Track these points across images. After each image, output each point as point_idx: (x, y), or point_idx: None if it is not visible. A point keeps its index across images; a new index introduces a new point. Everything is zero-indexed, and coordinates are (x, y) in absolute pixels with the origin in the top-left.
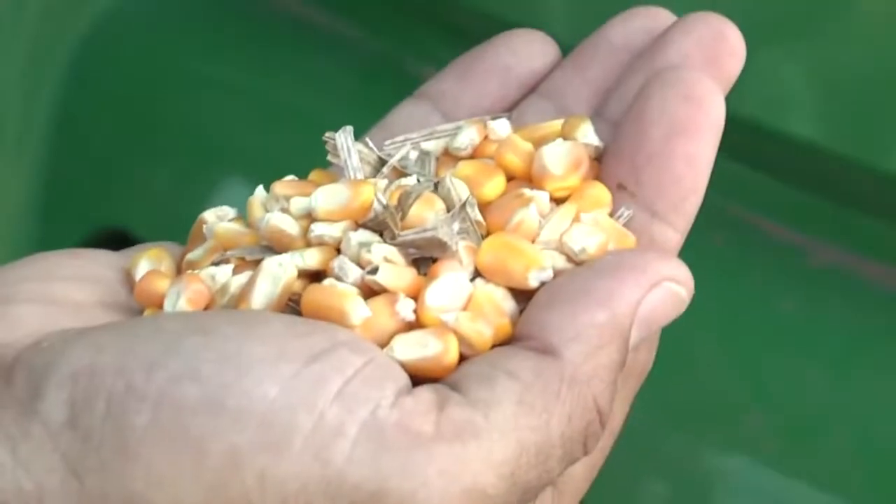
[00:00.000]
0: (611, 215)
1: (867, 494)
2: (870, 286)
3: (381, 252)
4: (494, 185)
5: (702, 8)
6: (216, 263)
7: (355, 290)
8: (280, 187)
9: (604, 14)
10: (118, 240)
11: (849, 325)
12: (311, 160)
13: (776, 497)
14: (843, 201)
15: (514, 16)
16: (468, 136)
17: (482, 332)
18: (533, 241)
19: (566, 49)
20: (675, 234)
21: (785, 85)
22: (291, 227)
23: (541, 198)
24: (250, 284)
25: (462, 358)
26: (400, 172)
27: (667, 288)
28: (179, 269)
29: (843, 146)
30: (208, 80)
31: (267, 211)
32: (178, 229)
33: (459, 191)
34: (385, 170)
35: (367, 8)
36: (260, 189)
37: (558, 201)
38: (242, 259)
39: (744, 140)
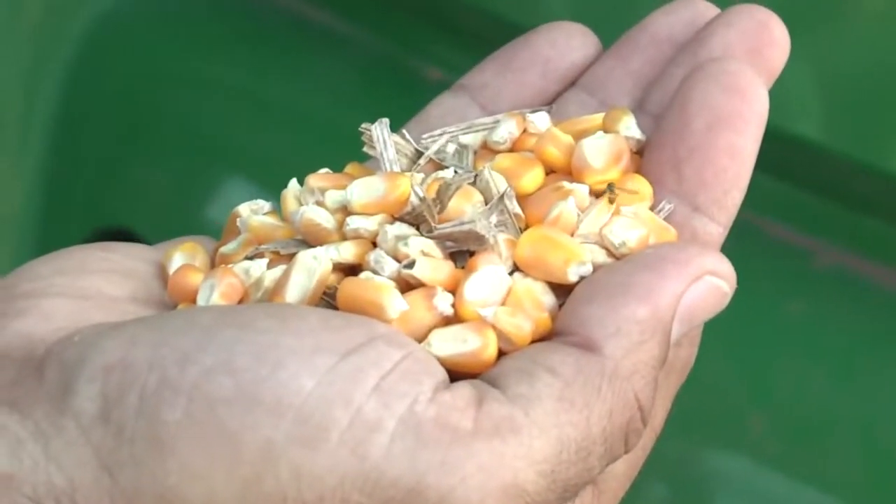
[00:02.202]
0: (652, 209)
1: (872, 497)
2: (876, 288)
3: (418, 245)
4: (533, 178)
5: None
6: (250, 257)
7: (392, 284)
8: (315, 180)
9: (605, 12)
10: (119, 239)
11: (855, 326)
12: (311, 159)
13: (780, 500)
14: (850, 203)
15: (517, 15)
16: (507, 130)
17: (521, 327)
18: (572, 235)
19: None
20: (717, 227)
21: (791, 86)
22: (327, 220)
23: (580, 191)
24: (285, 278)
25: (501, 353)
26: (437, 165)
27: (709, 282)
28: (213, 263)
29: (850, 148)
30: (209, 80)
31: (301, 204)
32: (179, 228)
33: (498, 183)
34: (421, 162)
35: (367, 7)
36: (293, 182)
37: (598, 194)
38: (277, 253)
39: None
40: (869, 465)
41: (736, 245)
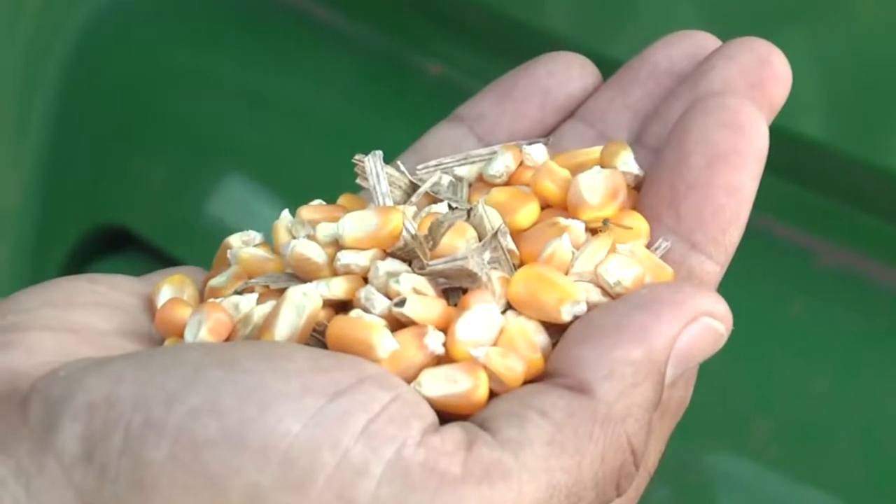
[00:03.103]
0: (648, 246)
1: (875, 497)
2: (879, 288)
3: (410, 282)
4: (528, 213)
5: (713, 10)
6: (239, 291)
7: (382, 322)
8: (307, 212)
9: (605, 8)
10: (116, 236)
11: (858, 326)
12: (310, 157)
13: (783, 501)
14: (853, 202)
15: (516, 11)
16: (503, 163)
17: (513, 368)
18: (567, 273)
19: (570, 45)
20: (714, 266)
21: (795, 85)
22: (318, 254)
23: (576, 227)
24: (274, 314)
25: (492, 394)
26: (432, 198)
27: (704, 323)
28: (202, 296)
29: (854, 147)
30: (207, 76)
31: (293, 236)
32: (176, 225)
33: (492, 218)
34: (415, 197)
35: (367, 3)
36: (286, 213)
37: (594, 231)
38: (267, 287)
39: None
40: (872, 468)
41: (738, 245)
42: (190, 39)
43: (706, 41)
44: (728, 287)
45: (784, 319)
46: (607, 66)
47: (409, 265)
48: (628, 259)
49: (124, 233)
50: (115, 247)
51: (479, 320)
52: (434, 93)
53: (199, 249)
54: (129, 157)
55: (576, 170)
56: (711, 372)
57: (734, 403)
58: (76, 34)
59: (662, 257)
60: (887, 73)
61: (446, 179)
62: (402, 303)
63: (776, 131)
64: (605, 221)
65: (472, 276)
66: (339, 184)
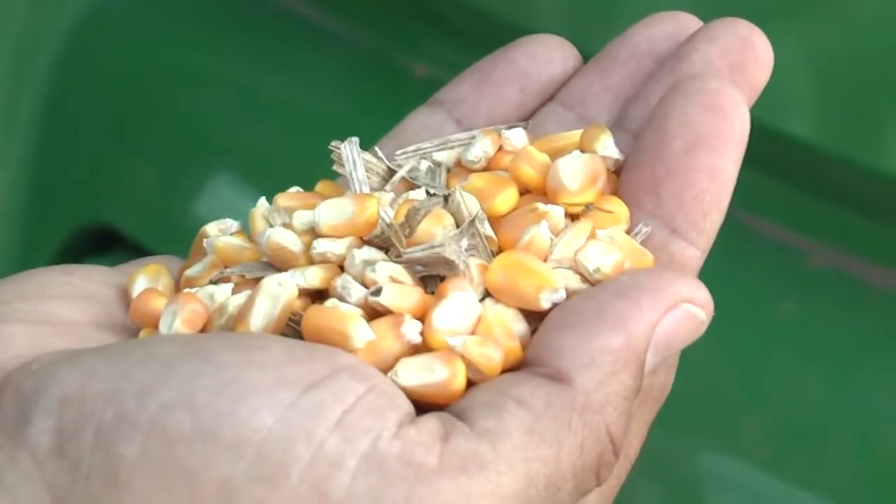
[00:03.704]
0: (628, 231)
1: (866, 497)
2: (869, 287)
3: (386, 271)
4: (506, 199)
5: (701, 10)
6: (215, 281)
7: (358, 312)
8: (283, 199)
9: (593, 9)
10: (105, 236)
11: (848, 326)
12: (300, 155)
13: (774, 500)
14: (842, 202)
15: (504, 11)
16: (482, 148)
17: (491, 357)
18: (546, 259)
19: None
20: (695, 252)
21: (783, 84)
22: (293, 243)
23: (555, 213)
24: (249, 304)
25: (470, 383)
26: (410, 184)
27: (685, 310)
28: (178, 286)
29: (842, 147)
30: (197, 75)
31: (270, 224)
32: (166, 224)
33: (469, 205)
34: (391, 183)
35: (355, 3)
36: (262, 201)
37: (574, 217)
38: (243, 276)
39: None
40: (863, 466)
41: (728, 245)
42: (179, 38)
43: (687, 22)
44: (719, 286)
45: (775, 319)
46: None
47: (386, 253)
48: (608, 245)
49: (113, 232)
50: (104, 246)
51: (457, 309)
52: (421, 93)
53: (188, 249)
54: (118, 157)
55: (555, 154)
56: (702, 370)
57: (725, 402)
58: (65, 32)
59: (643, 243)
60: (879, 73)
61: (425, 165)
62: (378, 292)
63: (767, 131)
64: (589, 206)
65: (450, 264)
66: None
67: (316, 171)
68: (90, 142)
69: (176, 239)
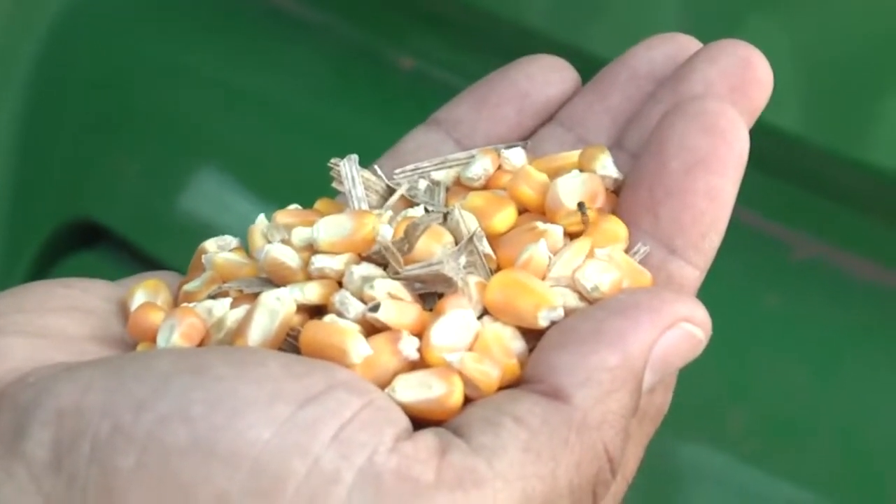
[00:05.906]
0: (627, 251)
1: (850, 490)
2: (854, 280)
3: (384, 287)
4: (505, 217)
5: (690, 4)
6: (213, 296)
7: (356, 327)
8: (282, 216)
9: (580, 2)
10: (88, 231)
11: (833, 319)
12: (284, 151)
13: (758, 494)
14: (828, 195)
15: (490, 4)
16: (481, 166)
17: (489, 373)
18: (544, 278)
19: (544, 39)
20: (693, 271)
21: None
22: (291, 259)
23: (553, 232)
24: (247, 319)
25: (467, 400)
26: (409, 202)
27: (683, 329)
28: (177, 301)
29: (828, 139)
30: (181, 70)
31: (268, 241)
32: (150, 219)
33: (468, 223)
34: (390, 202)
35: None
36: (261, 217)
37: (573, 235)
38: (241, 291)
39: None
40: (847, 459)
41: None
42: (164, 34)
43: (687, 43)
44: (704, 279)
45: (759, 312)
46: (582, 61)
47: (385, 269)
48: (606, 264)
49: (96, 228)
50: (87, 242)
51: (455, 325)
52: (407, 86)
53: (172, 244)
54: (103, 152)
55: (554, 174)
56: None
57: (709, 395)
58: (48, 28)
59: (641, 262)
60: (864, 66)
61: (423, 184)
62: (376, 307)
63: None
64: (581, 205)
65: (448, 281)
66: (314, 178)
67: (301, 167)
68: (74, 137)
69: (160, 234)
